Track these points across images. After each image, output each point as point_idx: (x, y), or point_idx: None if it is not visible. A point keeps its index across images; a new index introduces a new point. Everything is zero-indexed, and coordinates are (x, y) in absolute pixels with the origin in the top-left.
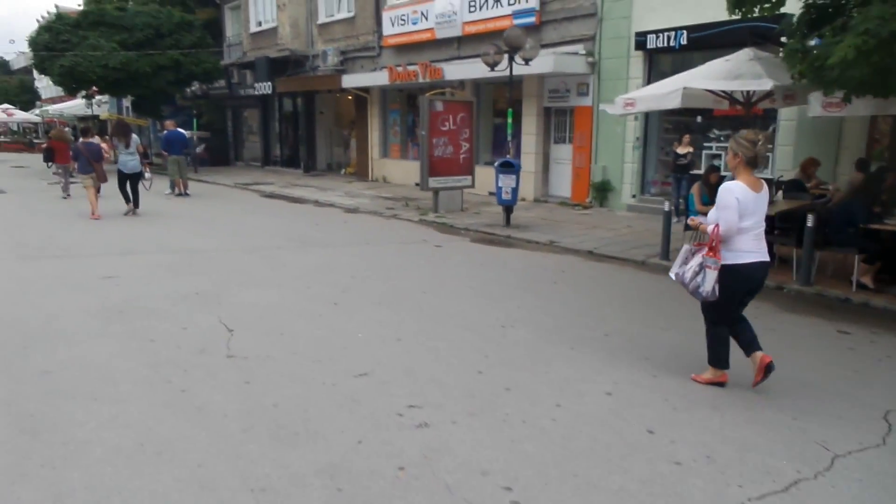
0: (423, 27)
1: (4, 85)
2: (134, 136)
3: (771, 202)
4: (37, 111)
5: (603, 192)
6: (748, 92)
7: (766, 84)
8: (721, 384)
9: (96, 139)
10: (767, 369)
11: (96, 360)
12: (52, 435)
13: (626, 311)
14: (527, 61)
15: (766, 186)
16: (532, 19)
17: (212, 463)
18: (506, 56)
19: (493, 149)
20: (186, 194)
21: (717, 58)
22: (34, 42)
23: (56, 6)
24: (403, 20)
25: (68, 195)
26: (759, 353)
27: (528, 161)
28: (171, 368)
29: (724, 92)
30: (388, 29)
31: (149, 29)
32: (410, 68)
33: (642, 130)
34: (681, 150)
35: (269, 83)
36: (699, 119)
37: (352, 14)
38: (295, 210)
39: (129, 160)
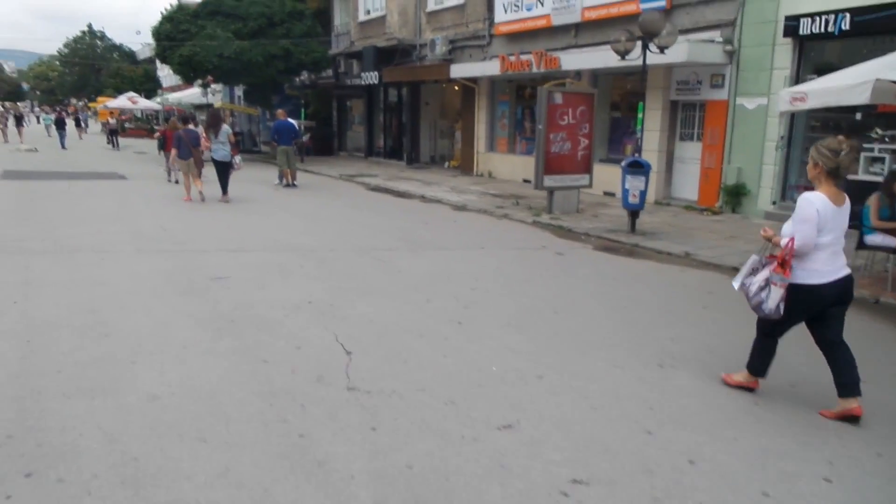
0: (538, 13)
1: (130, 74)
2: (224, 126)
3: None
4: (158, 99)
5: (736, 196)
6: None
7: None
8: (751, 389)
9: (199, 128)
10: (849, 418)
11: (207, 383)
12: (154, 490)
13: (803, 349)
14: (662, 49)
15: (848, 201)
16: (662, 3)
17: None
18: (638, 43)
19: (609, 145)
20: (294, 185)
21: (886, 45)
22: (157, 32)
23: (178, 1)
24: (517, 6)
25: (177, 181)
26: (853, 402)
27: (650, 159)
28: (287, 401)
29: None
30: (500, 16)
31: (262, 18)
32: (523, 57)
33: (787, 128)
34: None
35: (376, 73)
36: (858, 116)
37: (462, 1)
38: (402, 206)
39: (220, 148)
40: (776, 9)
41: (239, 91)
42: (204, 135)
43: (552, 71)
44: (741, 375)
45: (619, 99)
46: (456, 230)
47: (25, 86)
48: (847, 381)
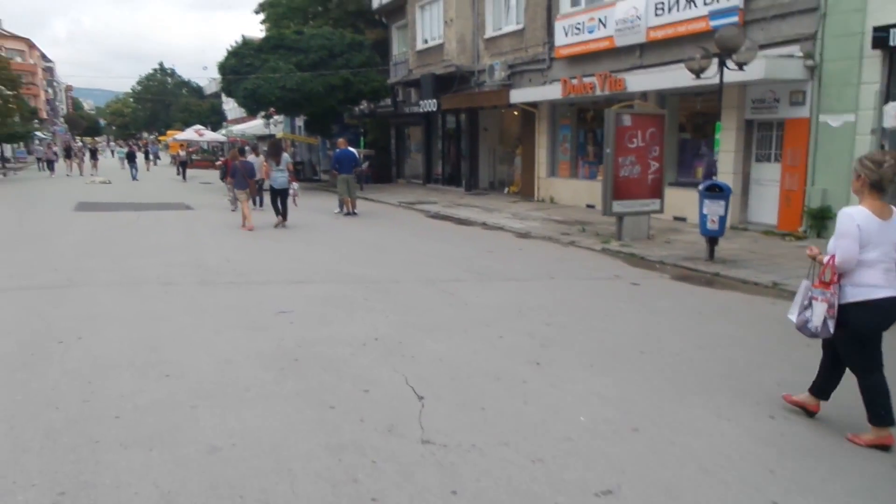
0: (600, 35)
1: (198, 108)
2: (284, 154)
3: None
4: (223, 131)
5: (821, 220)
6: None
7: None
8: (886, 447)
9: (259, 157)
10: (881, 447)
11: (270, 434)
12: None
13: None
14: (741, 66)
15: None
16: (734, 19)
17: None
18: (715, 61)
19: (679, 168)
20: (354, 213)
21: None
22: (223, 67)
23: (242, 36)
24: (578, 29)
25: (236, 209)
26: (888, 431)
27: (725, 182)
28: (357, 457)
29: None
30: (560, 39)
31: (322, 50)
32: (586, 80)
33: (878, 146)
34: None
35: (434, 100)
36: None
37: (521, 26)
38: (463, 233)
39: (279, 176)
40: (862, 20)
41: (299, 121)
42: (265, 164)
43: (616, 93)
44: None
45: (688, 120)
46: (522, 259)
47: (102, 122)
48: (884, 408)
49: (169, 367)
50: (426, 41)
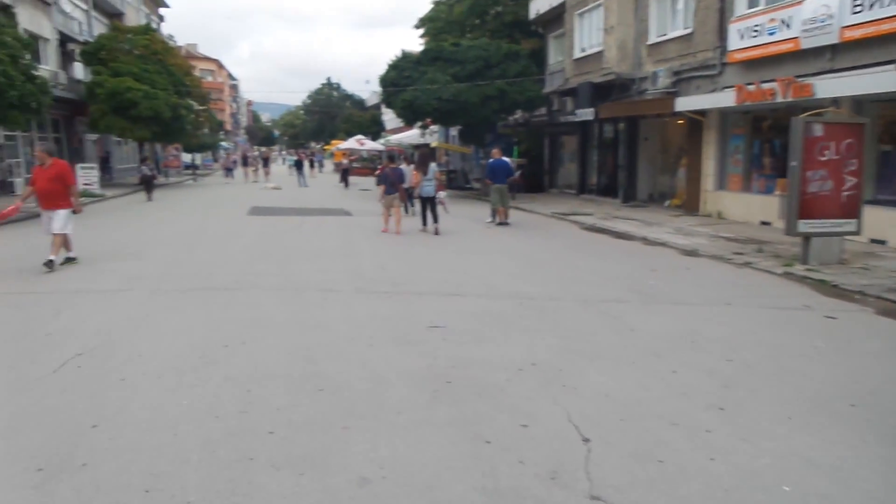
0: (783, 37)
1: (359, 119)
2: (432, 164)
3: None
4: (382, 140)
5: None
6: None
7: None
8: None
9: (410, 167)
10: None
11: (422, 467)
12: None
13: None
14: None
15: None
16: None
17: None
18: None
19: (878, 183)
20: (506, 223)
21: None
22: (383, 80)
23: (402, 50)
24: (756, 31)
25: (413, 214)
26: None
27: None
28: None
29: None
30: (734, 42)
31: (479, 61)
32: (765, 86)
33: None
34: None
35: (591, 109)
36: None
37: (689, 30)
38: (622, 248)
39: (427, 185)
40: None
41: (454, 131)
42: (415, 172)
43: (801, 100)
44: None
45: (887, 129)
46: (690, 280)
47: (276, 132)
48: None
49: (323, 380)
50: (584, 49)
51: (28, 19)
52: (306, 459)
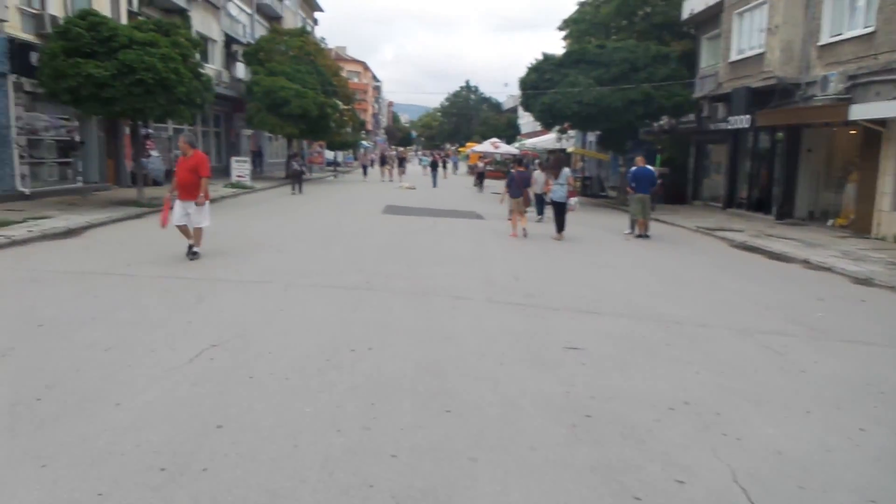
0: None
1: (495, 122)
2: (565, 169)
3: None
4: (516, 144)
5: None
6: None
7: None
8: None
9: (542, 173)
10: None
11: None
12: None
13: None
14: None
15: None
16: None
17: None
18: None
19: None
20: (646, 236)
21: None
22: (523, 83)
23: (543, 53)
24: None
25: (540, 219)
26: None
27: None
28: None
29: None
30: None
31: (624, 64)
32: None
33: None
34: None
35: (747, 116)
36: None
37: (870, 29)
38: (780, 271)
39: (558, 190)
40: None
41: (591, 136)
42: (546, 177)
43: None
44: None
45: None
46: (867, 314)
47: (414, 133)
48: None
49: (451, 400)
50: (741, 51)
51: (200, 22)
52: (429, 495)
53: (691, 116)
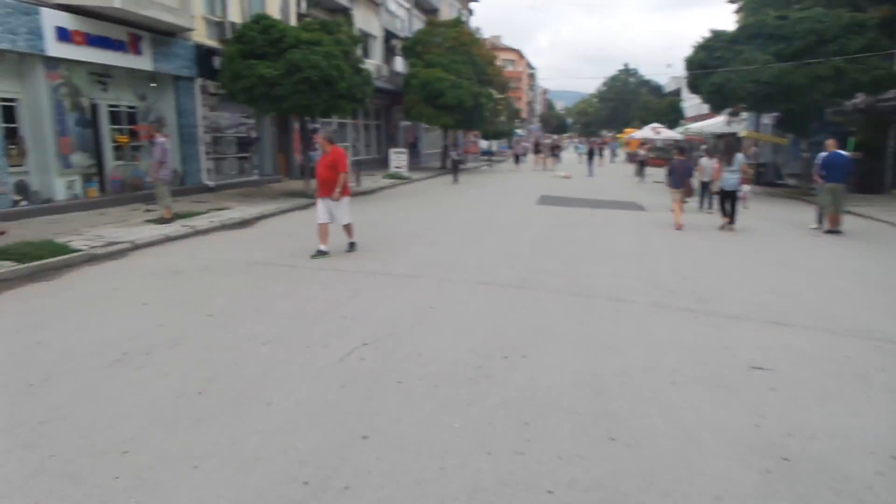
0: None
1: (655, 107)
2: (738, 154)
3: None
4: (679, 129)
5: None
6: None
7: None
8: None
9: (711, 160)
10: None
11: None
12: None
13: None
14: None
15: None
16: None
17: None
18: None
19: None
20: (837, 231)
21: None
22: (690, 62)
23: (710, 30)
24: None
25: (711, 212)
26: None
27: None
28: None
29: None
30: None
31: (810, 36)
32: None
33: None
34: None
35: None
36: None
37: None
38: None
39: (730, 177)
40: None
41: (766, 119)
42: (716, 164)
43: None
44: None
45: None
46: None
47: (569, 120)
48: None
49: (615, 425)
50: None
51: (361, 19)
52: None
53: (892, 93)
